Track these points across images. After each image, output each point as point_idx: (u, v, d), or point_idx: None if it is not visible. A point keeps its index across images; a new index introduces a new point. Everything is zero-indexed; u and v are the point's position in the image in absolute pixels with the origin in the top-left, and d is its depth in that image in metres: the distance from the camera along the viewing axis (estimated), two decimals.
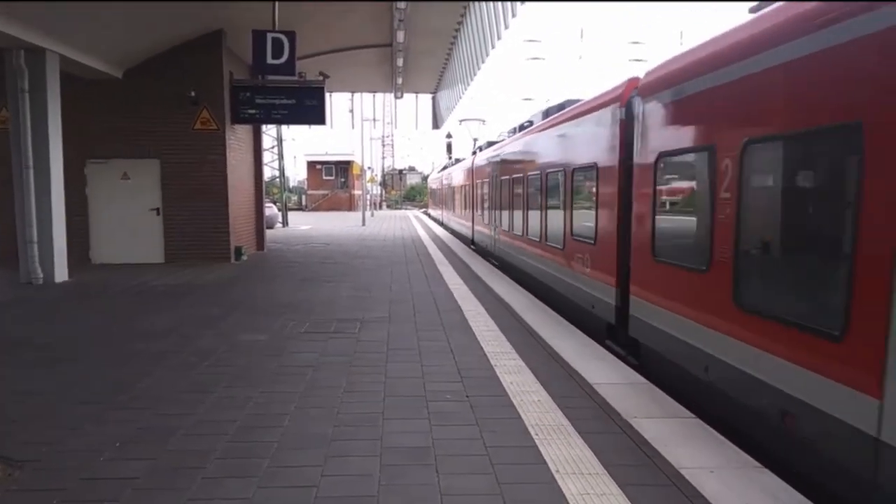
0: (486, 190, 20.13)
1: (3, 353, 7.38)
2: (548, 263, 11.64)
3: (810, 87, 4.41)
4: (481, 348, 7.40)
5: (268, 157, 37.99)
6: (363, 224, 36.14)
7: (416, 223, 38.99)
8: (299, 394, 5.77)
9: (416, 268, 15.28)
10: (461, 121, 32.87)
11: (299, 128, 52.01)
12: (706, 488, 3.87)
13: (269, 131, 37.41)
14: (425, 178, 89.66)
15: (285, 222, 35.78)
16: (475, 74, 23.37)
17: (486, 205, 20.20)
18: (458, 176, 29.94)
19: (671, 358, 6.49)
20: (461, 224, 28.05)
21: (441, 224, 38.61)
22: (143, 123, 15.49)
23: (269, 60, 14.13)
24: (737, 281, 5.19)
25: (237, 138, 17.09)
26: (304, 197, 71.01)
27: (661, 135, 6.88)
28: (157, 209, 15.83)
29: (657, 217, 6.90)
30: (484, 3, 17.73)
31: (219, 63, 15.73)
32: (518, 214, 14.53)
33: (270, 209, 30.25)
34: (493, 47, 19.16)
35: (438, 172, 47.80)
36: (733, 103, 5.41)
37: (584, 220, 9.46)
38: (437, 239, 25.21)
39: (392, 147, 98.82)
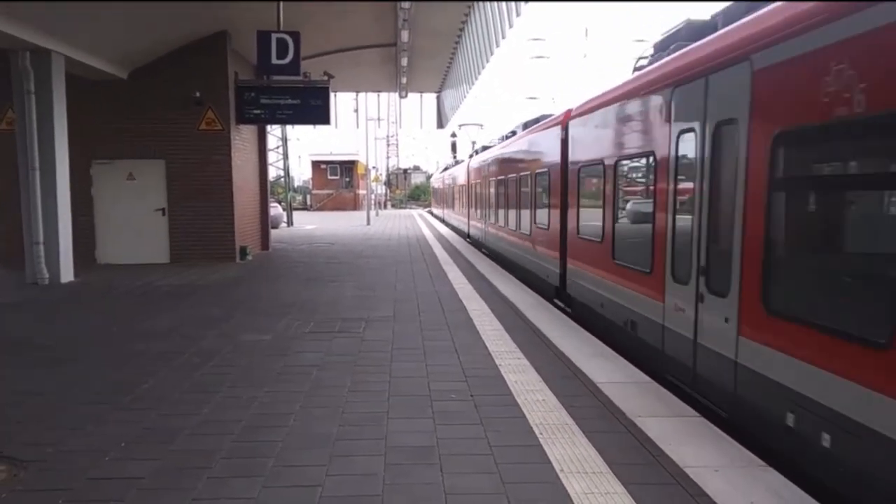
0: (477, 189, 23.79)
1: (7, 353, 7.42)
2: (521, 247, 14.75)
3: (640, 128, 7.64)
4: (486, 347, 7.40)
5: (272, 156, 38.05)
6: (368, 223, 36.14)
7: (420, 222, 39.00)
8: (304, 393, 5.78)
9: (420, 267, 15.28)
10: (461, 125, 35.19)
11: (304, 127, 52.12)
12: (710, 486, 3.86)
13: (273, 131, 37.50)
14: (430, 178, 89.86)
15: (290, 222, 35.83)
16: (479, 73, 23.36)
17: (477, 201, 23.83)
18: (455, 177, 34.76)
19: (587, 303, 9.52)
20: (459, 220, 31.96)
21: (442, 221, 41.91)
22: (148, 124, 15.53)
23: (274, 61, 14.15)
24: (614, 246, 8.31)
25: (242, 138, 17.12)
26: (308, 196, 71.02)
27: (579, 151, 10.01)
28: (163, 209, 15.88)
29: (580, 208, 9.96)
30: (488, 3, 17.72)
31: (223, 63, 15.76)
32: (501, 209, 17.77)
33: (275, 209, 30.30)
34: (497, 46, 19.14)
35: (440, 173, 52.40)
36: (611, 133, 8.68)
37: (542, 211, 12.51)
38: (441, 238, 25.22)
39: (397, 146, 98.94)
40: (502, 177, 17.33)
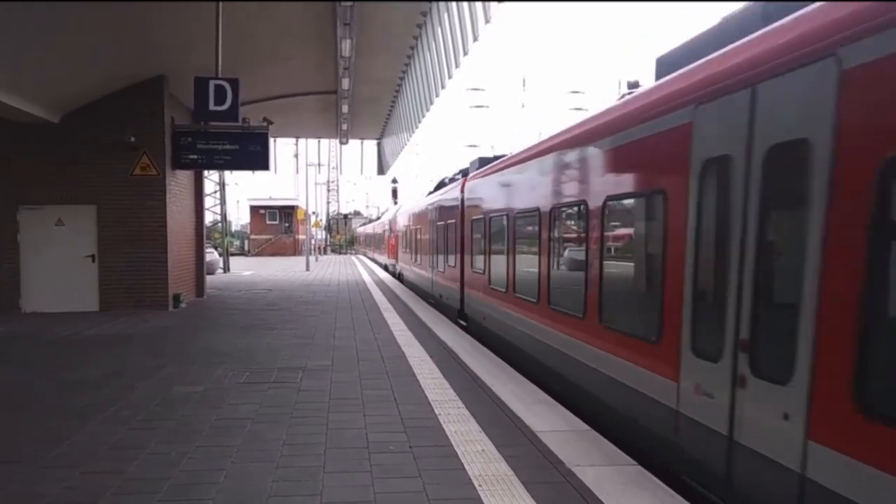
0: (389, 236, 34.23)
1: None
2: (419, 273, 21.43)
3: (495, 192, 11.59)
4: (425, 396, 7.35)
5: (210, 201, 37.42)
6: (307, 269, 35.76)
7: (360, 267, 38.82)
8: (237, 448, 5.61)
9: (360, 313, 15.16)
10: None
11: (243, 172, 51.71)
12: None
13: (211, 176, 36.92)
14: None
15: (227, 268, 35.14)
16: (420, 122, 23.65)
17: (388, 245, 35.38)
18: (371, 229, 51.20)
19: (476, 319, 13.09)
20: (376, 257, 45.63)
21: (365, 255, 56.90)
22: (79, 169, 15.09)
23: (212, 107, 13.89)
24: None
25: (178, 184, 16.81)
26: (246, 242, 69.98)
27: (479, 203, 13.07)
28: (93, 256, 15.38)
29: (473, 248, 13.50)
30: (428, 53, 18.04)
31: (160, 108, 15.51)
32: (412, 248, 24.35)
33: (211, 254, 29.68)
34: (437, 96, 19.45)
35: (361, 227, 71.22)
36: (489, 194, 12.04)
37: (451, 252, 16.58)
38: (380, 283, 25.11)
39: (337, 192, 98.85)
40: (419, 226, 22.50)
